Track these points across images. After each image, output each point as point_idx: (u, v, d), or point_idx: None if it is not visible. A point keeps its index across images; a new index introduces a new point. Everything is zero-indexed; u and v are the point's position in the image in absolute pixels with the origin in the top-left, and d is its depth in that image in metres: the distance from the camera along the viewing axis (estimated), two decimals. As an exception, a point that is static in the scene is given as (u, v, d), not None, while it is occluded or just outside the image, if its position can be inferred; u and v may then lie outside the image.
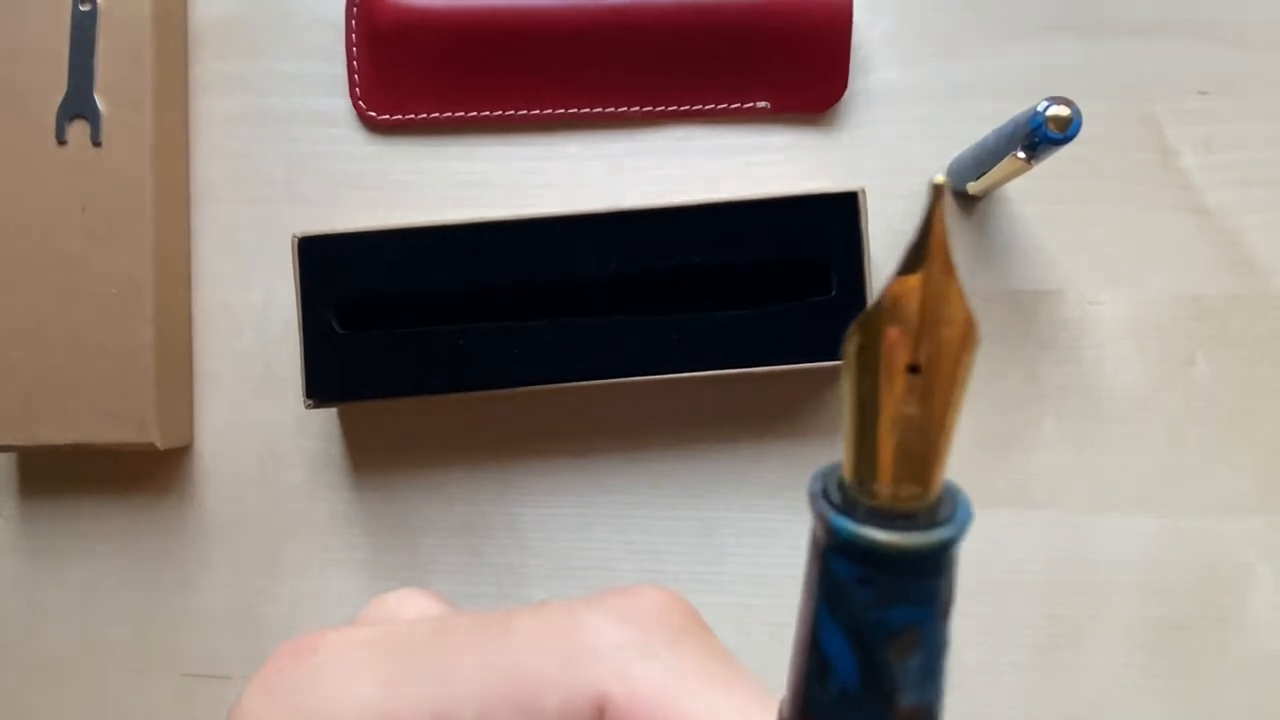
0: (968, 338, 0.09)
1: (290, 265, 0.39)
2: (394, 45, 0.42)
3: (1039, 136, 0.32)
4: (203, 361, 0.43)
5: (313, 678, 0.16)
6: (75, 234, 0.40)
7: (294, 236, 0.39)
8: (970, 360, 0.09)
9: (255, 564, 0.43)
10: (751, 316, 0.39)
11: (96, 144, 0.40)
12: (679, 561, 0.42)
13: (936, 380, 0.09)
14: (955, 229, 0.42)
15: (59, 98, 0.40)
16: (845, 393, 0.10)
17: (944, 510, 0.10)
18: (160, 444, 0.40)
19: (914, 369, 0.09)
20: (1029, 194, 0.41)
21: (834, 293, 0.38)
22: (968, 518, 0.10)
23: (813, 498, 0.10)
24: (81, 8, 0.40)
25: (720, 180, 0.42)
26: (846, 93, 0.42)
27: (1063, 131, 0.32)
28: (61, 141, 0.40)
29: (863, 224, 0.38)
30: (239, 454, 0.43)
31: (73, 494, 0.44)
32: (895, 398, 0.09)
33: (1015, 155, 0.34)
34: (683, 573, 0.42)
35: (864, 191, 0.38)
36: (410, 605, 0.19)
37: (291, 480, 0.43)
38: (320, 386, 0.39)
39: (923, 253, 0.09)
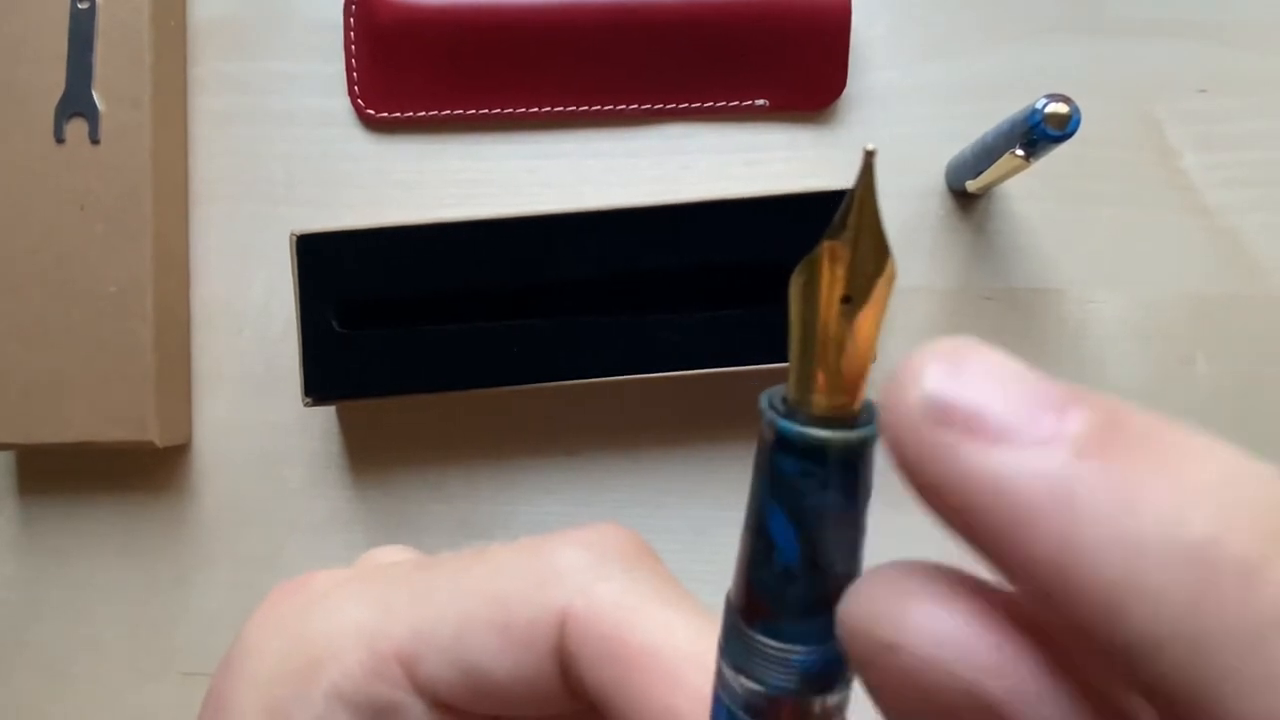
0: (887, 273, 0.12)
1: (289, 264, 0.39)
2: (392, 44, 0.42)
3: (1037, 133, 0.32)
4: (202, 360, 0.43)
5: (307, 607, 0.18)
6: (74, 232, 0.40)
7: (293, 235, 0.39)
8: (888, 291, 0.12)
9: (254, 562, 0.43)
10: (749, 315, 0.38)
11: (95, 142, 0.40)
12: (676, 559, 0.42)
13: (862, 309, 0.12)
14: (954, 227, 0.42)
15: (57, 96, 0.40)
16: (791, 320, 0.12)
17: (865, 417, 0.12)
18: (159, 442, 0.40)
19: (846, 299, 0.12)
20: (1028, 192, 0.41)
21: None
22: None
23: (763, 410, 0.12)
24: (80, 5, 0.40)
25: (718, 178, 0.42)
26: (845, 91, 0.42)
27: (1061, 128, 0.32)
28: (60, 140, 0.40)
29: (861, 222, 0.38)
30: (238, 452, 0.43)
31: (72, 492, 0.44)
32: (830, 323, 0.12)
33: (1014, 153, 0.34)
34: (679, 571, 0.42)
35: (862, 190, 0.38)
36: (397, 556, 0.21)
37: (291, 478, 0.43)
38: (319, 384, 0.39)
39: (855, 207, 0.12)
